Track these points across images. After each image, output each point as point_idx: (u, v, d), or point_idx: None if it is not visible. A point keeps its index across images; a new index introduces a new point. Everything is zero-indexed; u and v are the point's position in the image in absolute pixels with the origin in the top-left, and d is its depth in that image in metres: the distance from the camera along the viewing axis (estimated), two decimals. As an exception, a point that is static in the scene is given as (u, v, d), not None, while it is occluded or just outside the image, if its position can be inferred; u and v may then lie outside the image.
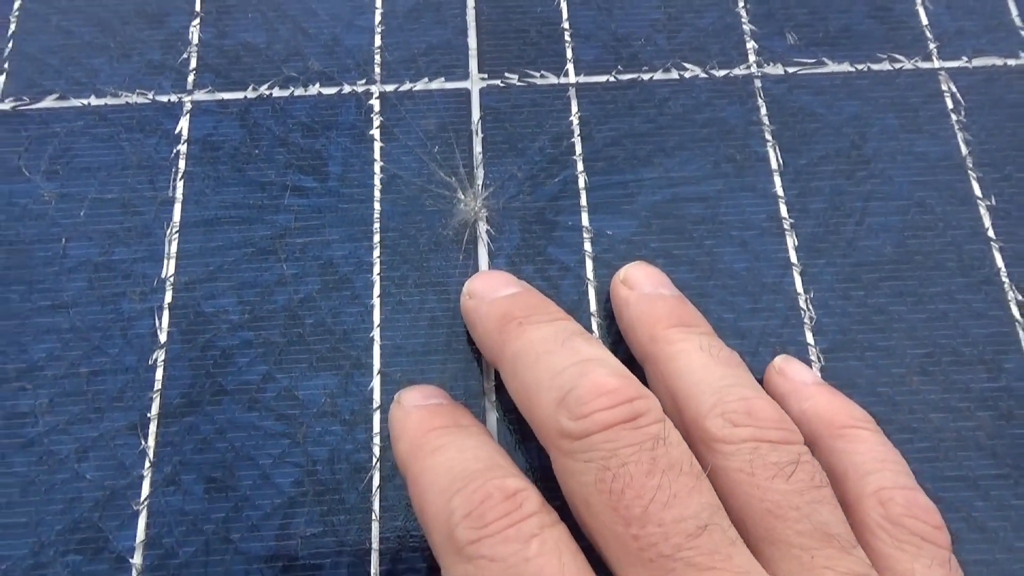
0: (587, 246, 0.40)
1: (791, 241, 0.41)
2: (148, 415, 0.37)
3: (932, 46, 0.45)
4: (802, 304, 0.39)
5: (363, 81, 0.44)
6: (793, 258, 0.40)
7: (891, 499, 0.29)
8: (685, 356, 0.32)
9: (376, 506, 0.35)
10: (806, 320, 0.39)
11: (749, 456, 0.27)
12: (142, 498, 0.36)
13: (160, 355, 0.38)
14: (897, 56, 0.45)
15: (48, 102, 0.43)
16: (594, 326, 0.39)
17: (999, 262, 0.40)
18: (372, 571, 0.34)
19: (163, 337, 0.38)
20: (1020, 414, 0.37)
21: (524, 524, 0.26)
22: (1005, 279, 0.40)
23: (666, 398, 0.31)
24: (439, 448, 0.30)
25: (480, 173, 0.42)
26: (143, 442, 0.37)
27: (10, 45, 0.45)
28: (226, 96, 0.44)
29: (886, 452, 0.32)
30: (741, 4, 0.47)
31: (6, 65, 0.44)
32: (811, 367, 0.38)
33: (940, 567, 0.27)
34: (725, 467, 0.28)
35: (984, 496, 0.35)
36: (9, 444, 0.36)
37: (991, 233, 0.41)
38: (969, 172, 0.42)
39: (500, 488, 0.27)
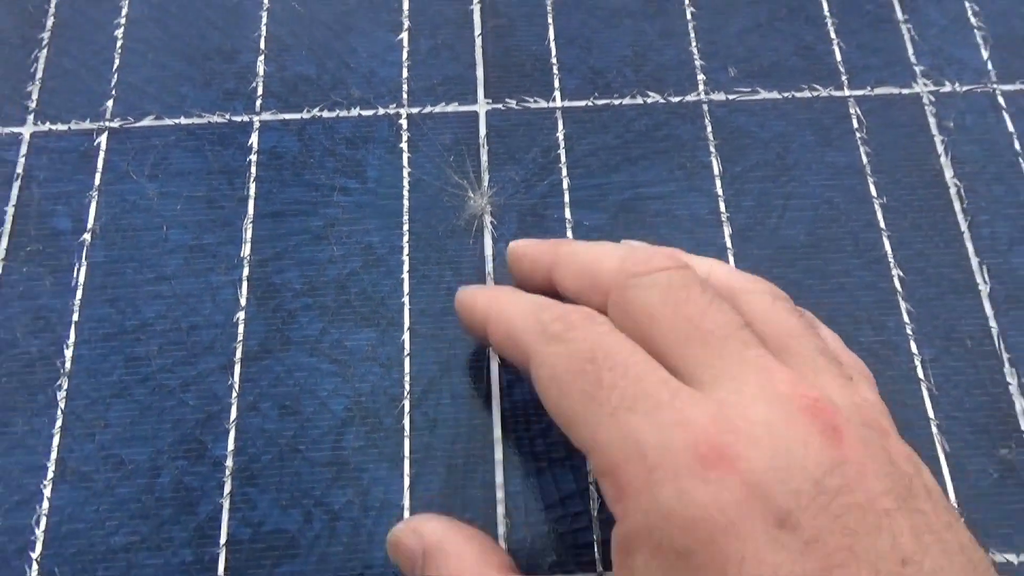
0: (568, 233, 0.52)
1: (727, 230, 0.52)
2: (233, 359, 0.49)
3: (844, 78, 0.57)
4: (733, 278, 0.51)
5: (394, 105, 0.56)
6: (728, 244, 0.52)
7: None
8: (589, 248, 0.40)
9: (407, 427, 0.47)
10: (735, 290, 0.51)
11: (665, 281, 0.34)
12: (231, 420, 0.47)
13: (241, 315, 0.50)
14: (815, 86, 0.57)
15: (148, 121, 0.55)
16: (573, 294, 0.51)
17: (887, 247, 0.52)
18: (404, 474, 0.46)
19: (243, 301, 0.50)
20: (896, 360, 0.49)
21: (603, 321, 0.33)
22: (891, 259, 0.51)
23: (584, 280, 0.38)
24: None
25: (486, 177, 0.54)
26: (231, 379, 0.48)
27: (116, 76, 0.57)
28: (286, 116, 0.56)
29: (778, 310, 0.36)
30: (693, 44, 0.58)
31: (113, 92, 0.57)
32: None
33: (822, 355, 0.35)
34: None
35: (865, 420, 0.47)
36: (130, 380, 0.48)
37: (882, 225, 0.53)
38: (868, 177, 0.54)
39: (578, 310, 0.35)
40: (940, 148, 0.55)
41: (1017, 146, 0.54)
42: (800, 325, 0.35)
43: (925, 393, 0.48)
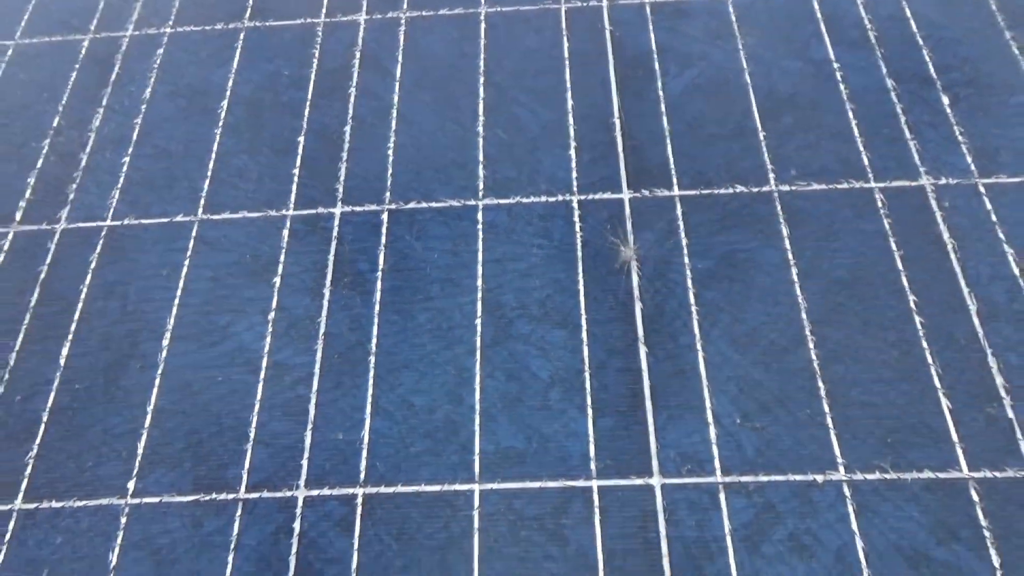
0: (687, 273, 0.80)
1: (794, 272, 0.79)
2: (475, 347, 0.77)
3: (870, 175, 0.85)
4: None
5: (568, 194, 0.87)
6: (795, 279, 0.79)
7: None
8: None
9: (587, 389, 0.74)
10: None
11: None
12: (476, 382, 0.75)
13: (478, 321, 0.79)
14: (851, 180, 0.85)
15: (412, 204, 0.87)
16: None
17: (904, 282, 0.78)
18: (588, 417, 0.72)
19: (478, 311, 0.79)
20: (913, 352, 0.73)
21: None
22: (907, 289, 0.77)
23: None
24: None
25: (631, 237, 0.83)
26: (474, 358, 0.77)
27: (390, 177, 0.89)
28: (500, 201, 0.87)
29: None
30: (765, 155, 0.88)
31: (389, 186, 0.89)
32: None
33: None
34: None
35: (891, 388, 0.71)
36: (412, 356, 0.77)
37: (900, 267, 0.79)
38: (890, 238, 0.81)
39: None
40: (940, 221, 0.81)
41: (993, 217, 0.81)
42: None
43: (934, 373, 0.72)
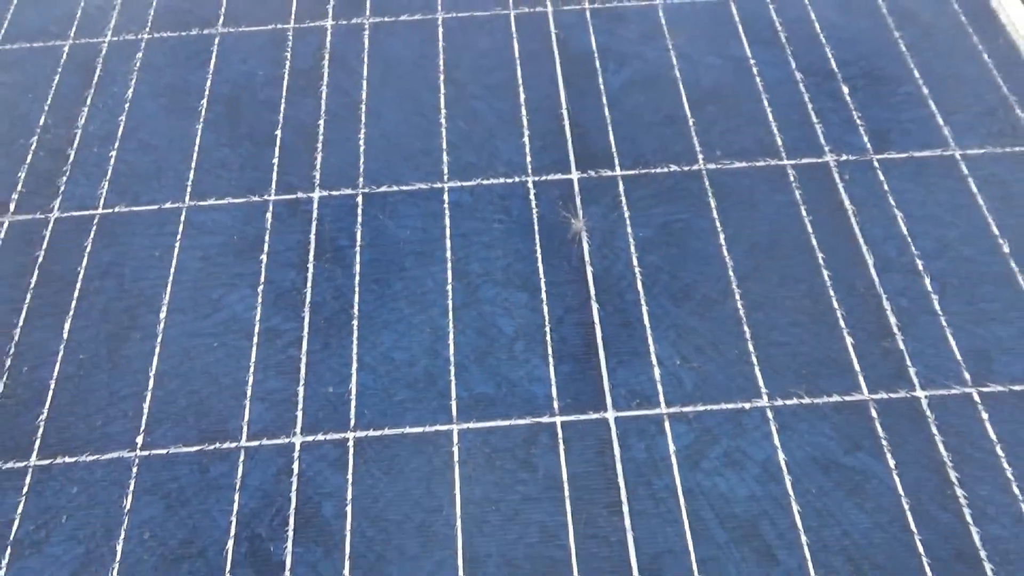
0: (630, 240, 0.92)
1: (722, 237, 0.92)
2: (447, 308, 0.87)
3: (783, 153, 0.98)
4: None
5: (524, 176, 0.97)
6: (723, 243, 0.91)
7: None
8: None
9: (548, 340, 0.85)
10: (728, 266, 0.90)
11: None
12: (450, 338, 0.85)
13: (448, 287, 0.89)
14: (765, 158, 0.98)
15: (383, 188, 0.97)
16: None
17: (814, 242, 0.91)
18: (549, 363, 0.83)
19: (449, 278, 0.89)
20: (822, 298, 0.86)
21: None
22: (818, 254, 0.90)
23: None
24: None
25: (581, 212, 0.94)
26: (447, 318, 0.87)
27: (362, 164, 0.99)
28: (464, 184, 0.97)
29: None
30: (694, 138, 1.00)
31: (361, 171, 0.98)
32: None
33: None
34: None
35: (804, 329, 0.84)
36: (390, 318, 0.86)
37: (809, 229, 0.92)
38: (801, 207, 0.94)
39: None
40: (842, 191, 0.95)
41: (885, 187, 0.95)
42: None
43: (839, 316, 0.85)
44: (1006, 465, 0.77)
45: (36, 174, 1.00)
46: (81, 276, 0.91)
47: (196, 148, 1.02)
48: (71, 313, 0.89)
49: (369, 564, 0.73)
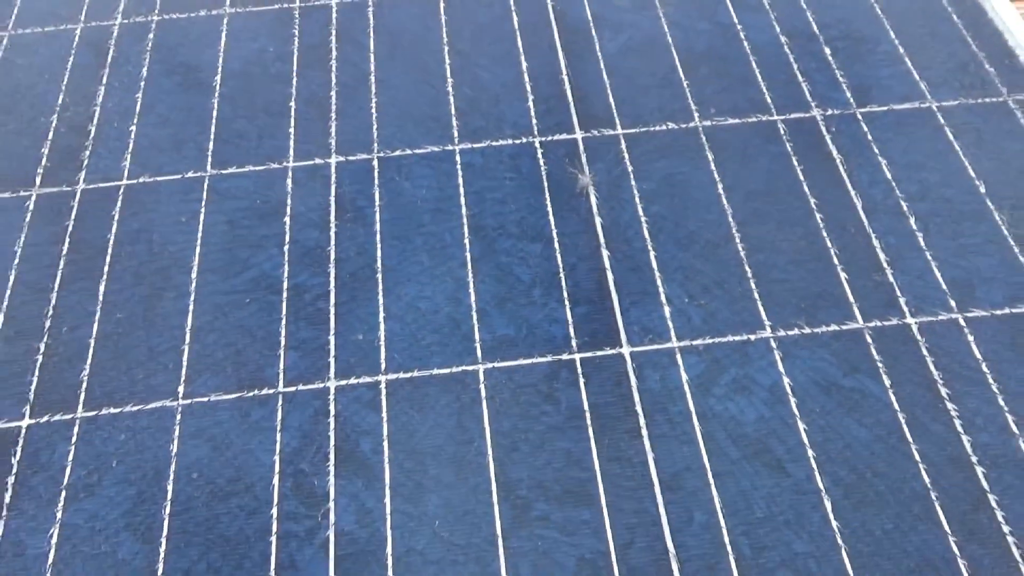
0: (635, 193, 0.97)
1: (720, 187, 0.98)
2: (466, 259, 0.92)
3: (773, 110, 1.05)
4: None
5: (530, 136, 1.03)
6: (721, 191, 0.97)
7: None
8: None
9: (563, 280, 0.90)
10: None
11: None
12: (471, 291, 0.90)
13: (464, 231, 0.94)
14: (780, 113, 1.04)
15: (398, 152, 1.01)
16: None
17: (806, 194, 0.97)
18: (564, 300, 0.88)
19: (464, 226, 0.94)
20: (816, 248, 0.93)
21: None
22: (811, 200, 0.97)
23: None
24: None
25: (587, 167, 0.99)
26: (467, 267, 0.92)
27: (376, 129, 1.04)
28: (475, 145, 1.02)
29: None
30: (690, 100, 1.06)
31: (376, 135, 1.03)
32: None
33: None
34: None
35: (801, 266, 0.90)
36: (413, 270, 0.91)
37: (803, 183, 0.98)
38: (792, 158, 1.00)
39: None
40: (829, 142, 1.01)
41: (869, 137, 1.01)
42: None
43: (833, 255, 0.92)
44: (991, 380, 0.84)
45: (59, 150, 1.03)
46: (111, 242, 0.95)
47: (213, 121, 1.06)
48: (104, 277, 0.92)
49: (408, 491, 0.78)
